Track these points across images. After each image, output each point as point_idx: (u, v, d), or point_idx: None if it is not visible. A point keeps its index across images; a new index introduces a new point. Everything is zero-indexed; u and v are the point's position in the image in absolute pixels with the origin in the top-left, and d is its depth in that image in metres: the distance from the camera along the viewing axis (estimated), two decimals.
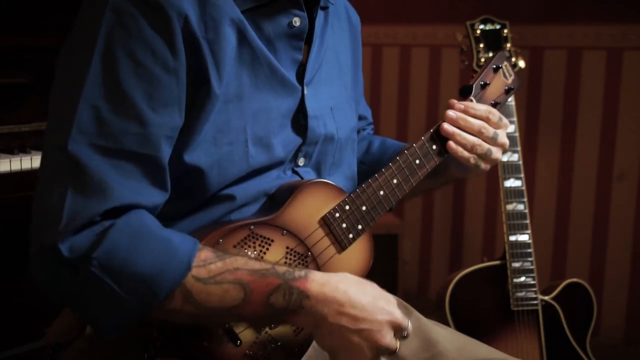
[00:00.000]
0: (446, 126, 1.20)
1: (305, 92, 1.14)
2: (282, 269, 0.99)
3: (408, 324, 1.03)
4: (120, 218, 0.93)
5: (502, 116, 1.24)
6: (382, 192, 1.15)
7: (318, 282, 0.99)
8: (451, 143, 1.20)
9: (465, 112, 1.22)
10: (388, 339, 1.01)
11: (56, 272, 0.93)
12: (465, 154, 1.21)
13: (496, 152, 1.23)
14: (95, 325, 0.98)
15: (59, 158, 0.94)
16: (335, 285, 0.99)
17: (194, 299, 0.95)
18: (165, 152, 0.98)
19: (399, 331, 1.03)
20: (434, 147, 1.20)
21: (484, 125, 1.21)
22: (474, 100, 1.25)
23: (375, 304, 1.00)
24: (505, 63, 1.31)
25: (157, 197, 0.99)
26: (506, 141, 1.24)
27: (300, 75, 1.14)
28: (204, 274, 0.95)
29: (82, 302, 0.95)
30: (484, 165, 1.24)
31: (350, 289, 1.00)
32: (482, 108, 1.23)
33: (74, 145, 0.93)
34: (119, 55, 0.95)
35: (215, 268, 0.96)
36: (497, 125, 1.23)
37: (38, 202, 0.96)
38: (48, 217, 0.93)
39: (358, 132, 1.43)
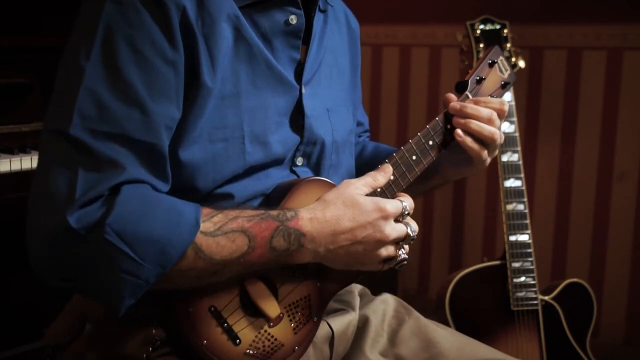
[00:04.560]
0: (457, 118, 1.20)
1: (304, 91, 1.14)
2: (274, 212, 1.02)
3: (402, 204, 1.09)
4: (124, 186, 0.93)
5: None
6: (378, 189, 1.15)
7: (306, 217, 1.03)
8: (459, 131, 1.19)
9: (476, 103, 1.22)
10: (388, 229, 1.06)
11: (63, 250, 0.91)
12: (476, 145, 1.20)
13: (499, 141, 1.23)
14: (107, 300, 0.95)
15: (61, 143, 0.94)
16: (322, 214, 1.04)
17: (203, 253, 0.96)
18: (165, 141, 0.98)
19: (398, 216, 1.08)
20: (430, 142, 1.20)
21: (493, 114, 1.21)
22: (469, 96, 1.24)
23: (361, 210, 1.05)
24: (501, 58, 1.30)
25: (159, 184, 0.99)
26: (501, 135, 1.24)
27: (299, 74, 1.14)
28: (210, 227, 0.97)
29: (92, 277, 0.93)
30: (486, 157, 1.23)
31: (335, 210, 1.05)
32: (496, 100, 1.23)
33: (76, 129, 0.93)
34: (119, 43, 0.96)
35: (218, 219, 0.98)
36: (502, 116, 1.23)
37: (41, 187, 0.94)
38: (55, 198, 0.92)
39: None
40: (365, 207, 1.05)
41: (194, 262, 0.96)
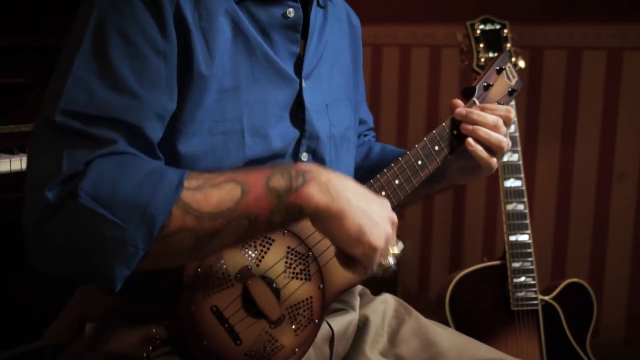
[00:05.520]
0: (465, 124, 1.21)
1: (304, 85, 1.14)
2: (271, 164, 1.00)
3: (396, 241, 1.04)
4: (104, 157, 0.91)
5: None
6: (383, 193, 1.15)
7: (313, 166, 0.98)
8: (470, 140, 1.20)
9: (482, 110, 1.22)
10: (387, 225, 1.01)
11: (47, 228, 0.89)
12: (485, 153, 1.20)
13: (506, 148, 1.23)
14: (103, 277, 0.91)
15: (48, 130, 0.93)
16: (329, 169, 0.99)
17: (192, 207, 0.90)
18: (155, 128, 0.97)
19: (387, 242, 1.02)
20: (436, 147, 1.20)
21: (499, 121, 1.21)
22: (476, 102, 1.25)
23: (369, 203, 0.99)
24: (509, 64, 1.31)
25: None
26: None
27: (298, 68, 1.14)
28: (194, 184, 0.92)
29: (82, 253, 0.90)
30: (495, 164, 1.23)
31: (347, 192, 0.97)
32: (502, 107, 1.23)
33: (62, 116, 0.92)
34: (111, 33, 0.96)
35: (206, 176, 0.94)
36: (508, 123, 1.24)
37: (30, 173, 0.94)
38: (40, 181, 0.91)
39: (358, 137, 1.43)
40: (375, 202, 1.01)
41: (183, 220, 0.90)
